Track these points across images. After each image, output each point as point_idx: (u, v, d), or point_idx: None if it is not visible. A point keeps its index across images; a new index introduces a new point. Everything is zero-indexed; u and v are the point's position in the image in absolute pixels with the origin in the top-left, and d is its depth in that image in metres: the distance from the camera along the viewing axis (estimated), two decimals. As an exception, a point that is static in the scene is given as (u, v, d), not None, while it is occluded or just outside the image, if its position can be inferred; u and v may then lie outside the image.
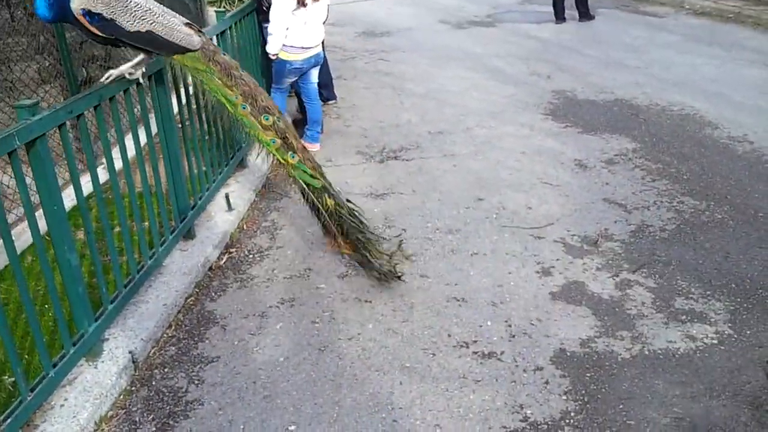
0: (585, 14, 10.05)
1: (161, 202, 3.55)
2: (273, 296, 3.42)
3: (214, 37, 4.14)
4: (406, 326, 3.13)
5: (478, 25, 10.26)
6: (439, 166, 4.97)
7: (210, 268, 3.69)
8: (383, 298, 3.36)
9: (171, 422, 2.61)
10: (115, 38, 2.81)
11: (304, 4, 4.75)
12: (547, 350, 2.93)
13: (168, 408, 2.68)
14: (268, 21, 4.96)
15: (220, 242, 3.85)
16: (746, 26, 9.28)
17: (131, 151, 3.28)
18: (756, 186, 4.45)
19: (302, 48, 4.90)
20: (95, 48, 5.77)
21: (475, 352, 2.93)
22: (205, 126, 4.20)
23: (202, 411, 2.65)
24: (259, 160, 4.93)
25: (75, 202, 3.03)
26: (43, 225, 2.51)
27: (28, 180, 2.41)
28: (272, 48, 4.89)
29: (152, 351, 3.02)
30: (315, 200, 3.32)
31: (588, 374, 2.77)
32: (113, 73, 2.96)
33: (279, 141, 3.25)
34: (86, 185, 2.99)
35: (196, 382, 2.83)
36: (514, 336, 3.03)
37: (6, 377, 2.74)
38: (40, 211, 2.53)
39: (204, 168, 4.13)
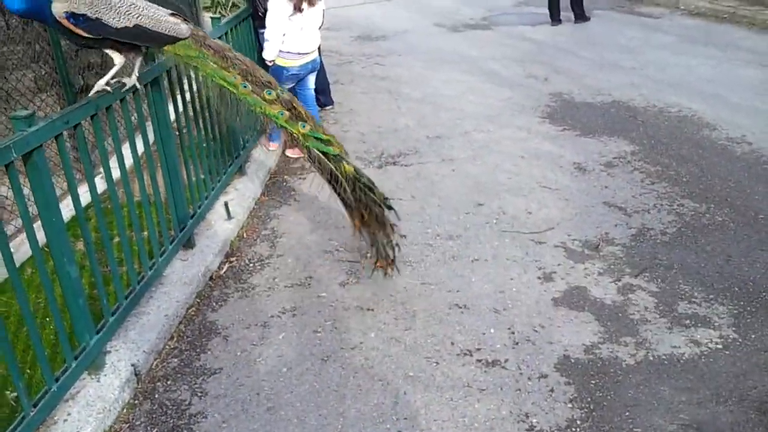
0: (580, 16, 10.07)
1: (160, 212, 3.53)
2: (274, 305, 3.41)
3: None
4: (408, 334, 3.11)
5: (474, 28, 10.26)
6: (438, 171, 4.96)
7: (210, 278, 3.67)
8: (385, 306, 3.34)
9: (174, 436, 2.59)
10: (102, 38, 2.74)
11: (300, 10, 4.74)
12: (551, 357, 2.92)
13: (172, 421, 2.66)
14: (264, 27, 4.94)
15: (220, 251, 3.84)
16: (741, 26, 9.30)
17: (129, 160, 3.27)
18: (756, 187, 4.45)
19: (299, 54, 4.89)
20: (91, 56, 5.74)
21: (479, 360, 2.92)
22: (203, 133, 4.19)
23: (205, 424, 2.64)
24: (255, 168, 4.95)
25: (73, 212, 3.02)
26: (41, 236, 2.49)
27: (26, 191, 2.39)
28: (269, 54, 4.88)
29: (154, 363, 3.00)
30: (333, 168, 3.18)
31: (593, 381, 2.77)
32: (99, 85, 2.91)
33: (287, 113, 3.16)
34: (84, 195, 2.98)
35: (199, 394, 2.81)
36: (517, 343, 3.02)
37: (8, 392, 2.72)
38: (39, 222, 2.52)
39: (202, 176, 4.11)
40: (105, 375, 2.78)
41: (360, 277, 3.61)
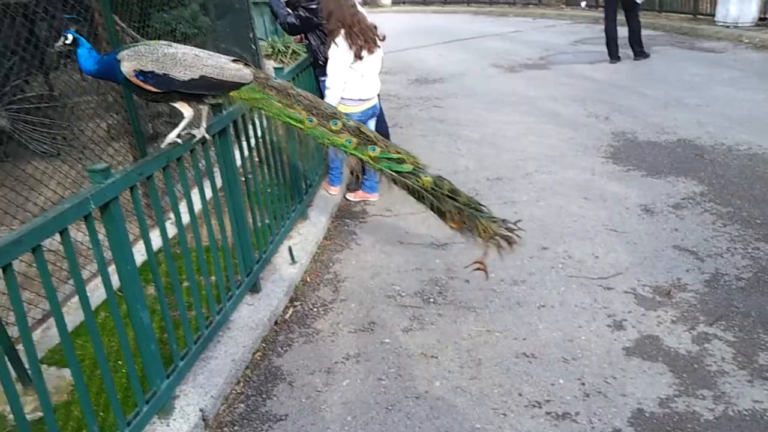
0: (640, 53, 9.96)
1: (227, 256, 3.60)
2: (338, 351, 3.40)
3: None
4: (474, 384, 3.05)
5: (531, 68, 10.26)
6: (500, 213, 4.88)
7: (275, 322, 3.70)
8: (449, 353, 3.30)
9: (242, 484, 2.59)
10: (170, 91, 2.85)
11: (360, 58, 4.84)
12: (624, 410, 2.81)
13: (238, 469, 2.66)
14: (324, 75, 5.05)
15: (285, 295, 3.88)
16: (811, 60, 9.02)
17: (197, 206, 3.36)
18: (837, 230, 4.24)
19: (360, 100, 4.97)
20: (160, 105, 5.98)
21: (549, 413, 2.83)
22: (268, 178, 4.28)
23: (272, 472, 2.63)
24: (317, 212, 5.02)
25: (145, 257, 3.11)
26: (115, 280, 2.57)
27: (100, 236, 2.48)
28: (330, 101, 4.97)
29: (221, 408, 3.02)
30: (412, 185, 3.18)
31: (671, 436, 2.64)
32: (170, 137, 3.02)
33: (355, 140, 3.16)
34: (155, 239, 3.06)
35: (266, 441, 2.81)
36: (588, 395, 2.92)
37: (82, 435, 2.78)
38: (112, 266, 2.60)
39: (268, 221, 4.19)
40: (174, 420, 2.82)
41: (424, 323, 3.58)
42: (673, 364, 3.09)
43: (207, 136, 3.17)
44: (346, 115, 5.01)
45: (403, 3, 27.78)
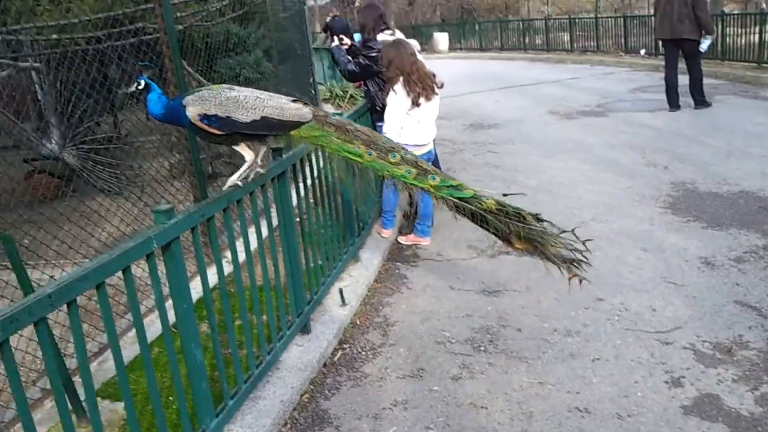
0: (701, 102, 9.78)
1: (279, 296, 3.65)
2: (386, 397, 3.37)
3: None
4: (525, 437, 2.98)
5: (589, 115, 10.19)
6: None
7: (324, 364, 3.71)
8: (499, 404, 3.23)
9: None
10: (233, 133, 2.94)
11: (418, 104, 4.91)
12: (684, 473, 2.69)
13: None
14: (381, 120, 5.15)
15: (334, 338, 3.89)
16: None
17: (253, 244, 3.43)
18: None
19: (416, 146, 5.02)
20: (220, 146, 6.17)
21: (603, 471, 2.73)
22: (321, 219, 4.35)
23: None
24: (369, 254, 5.04)
25: (200, 293, 3.18)
26: (169, 315, 2.63)
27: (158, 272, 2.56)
28: (387, 146, 5.04)
29: (268, 450, 3.02)
30: (475, 208, 3.14)
31: (733, 504, 2.51)
32: (232, 180, 3.11)
33: (414, 171, 3.19)
34: (210, 276, 3.13)
35: (311, 486, 2.79)
36: (644, 454, 2.81)
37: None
38: (168, 301, 2.66)
39: (320, 262, 4.24)
40: (222, 459, 2.83)
41: (474, 371, 3.52)
42: (734, 425, 2.94)
43: (261, 170, 3.23)
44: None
45: (460, 49, 28.17)
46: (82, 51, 5.49)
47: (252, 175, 3.16)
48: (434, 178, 3.18)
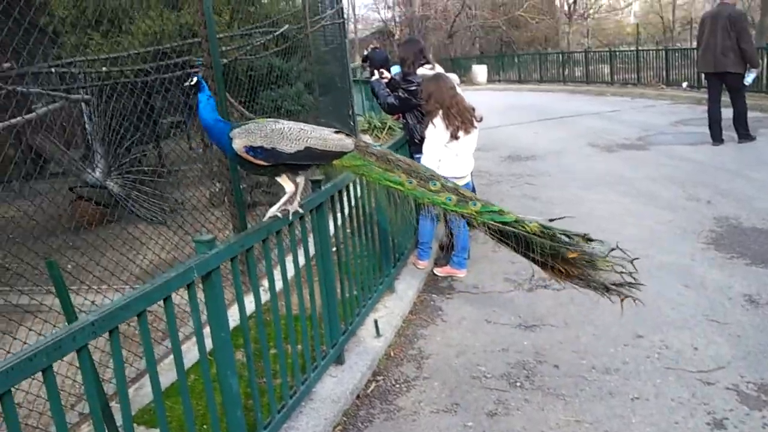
0: (745, 135, 9.59)
1: (315, 326, 3.67)
2: None
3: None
4: (561, 476, 2.91)
5: (629, 148, 10.08)
6: (593, 296, 4.74)
7: (357, 396, 3.69)
8: (536, 441, 3.17)
9: None
10: (278, 164, 3.01)
11: (456, 138, 4.95)
12: None
13: None
14: (419, 152, 5.19)
15: (368, 369, 3.88)
16: None
17: (290, 273, 3.46)
18: None
19: (453, 178, 5.01)
20: (260, 176, 6.28)
21: None
22: (358, 249, 4.37)
23: None
24: (404, 286, 5.04)
25: (237, 321, 3.22)
26: (206, 342, 2.67)
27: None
28: (424, 178, 5.07)
29: (300, 481, 3.01)
30: (518, 231, 3.16)
31: None
32: (272, 211, 3.17)
33: (455, 197, 3.24)
34: (247, 304, 3.16)
35: None
36: (686, 499, 2.71)
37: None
38: (205, 328, 2.70)
39: (355, 292, 4.26)
40: (254, 489, 2.83)
41: (509, 408, 3.47)
42: (782, 473, 2.84)
43: (300, 210, 3.30)
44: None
45: (499, 81, 28.26)
46: (130, 83, 5.68)
47: (292, 211, 3.21)
48: (476, 204, 3.23)
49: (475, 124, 5.13)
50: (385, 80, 5.75)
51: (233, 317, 3.19)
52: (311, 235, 3.76)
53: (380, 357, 4.09)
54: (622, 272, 3.11)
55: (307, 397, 3.48)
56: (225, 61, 5.12)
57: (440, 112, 4.97)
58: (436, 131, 4.98)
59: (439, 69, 5.77)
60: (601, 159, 9.55)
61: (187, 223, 5.52)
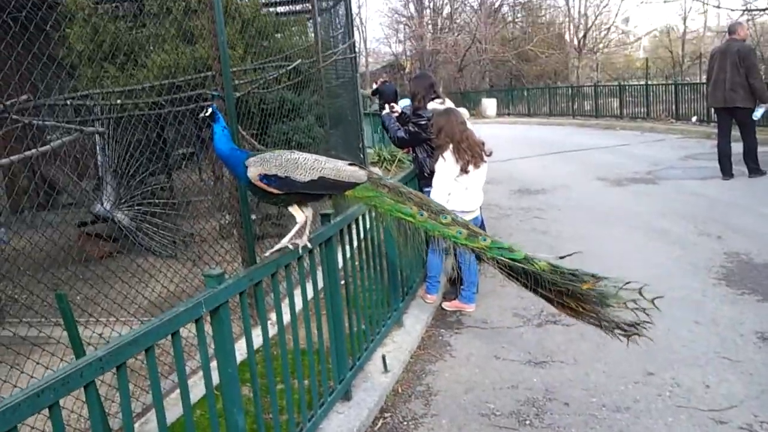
0: (755, 170, 9.57)
1: (322, 361, 3.65)
2: (427, 469, 3.30)
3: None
4: None
5: (639, 183, 10.07)
6: (603, 333, 4.71)
7: (364, 433, 3.66)
8: (545, 482, 3.12)
9: None
10: (291, 193, 3.03)
11: (466, 171, 4.98)
12: None
13: None
14: (429, 185, 5.21)
15: (375, 406, 3.84)
16: None
17: (298, 306, 3.46)
18: None
19: (463, 212, 5.02)
20: (270, 208, 6.31)
21: None
22: (366, 283, 4.36)
23: None
24: (413, 320, 5.01)
25: (244, 356, 3.21)
26: (213, 376, 2.66)
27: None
28: (433, 212, 5.09)
29: None
30: (527, 268, 3.18)
31: None
32: (282, 243, 3.18)
33: (465, 231, 3.27)
34: (254, 338, 3.15)
35: None
36: None
37: None
38: (212, 362, 2.69)
39: (363, 327, 4.24)
40: None
41: (518, 446, 3.43)
42: None
43: (309, 245, 3.31)
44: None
45: (508, 114, 28.43)
46: (144, 116, 5.76)
47: (301, 245, 3.23)
48: (485, 239, 3.25)
49: (485, 158, 5.16)
50: (396, 114, 5.81)
51: (240, 351, 3.18)
52: (320, 269, 3.77)
53: (388, 393, 4.06)
54: (635, 309, 3.09)
55: (313, 433, 3.45)
56: (238, 94, 5.18)
57: (450, 146, 5.01)
58: (446, 165, 5.01)
59: (449, 104, 5.82)
60: (610, 193, 9.54)
61: (196, 255, 5.55)
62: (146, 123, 5.99)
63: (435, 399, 4.01)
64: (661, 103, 19.49)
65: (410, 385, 4.22)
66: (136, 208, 6.23)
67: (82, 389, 1.96)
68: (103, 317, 4.54)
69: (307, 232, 3.28)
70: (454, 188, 5.01)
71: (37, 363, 3.72)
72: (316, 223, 3.67)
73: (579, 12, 34.91)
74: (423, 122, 5.48)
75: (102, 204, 6.31)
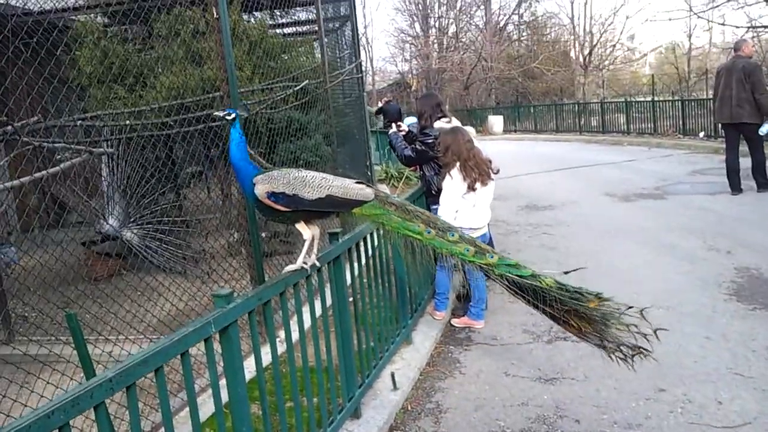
0: (764, 184, 9.54)
1: (331, 378, 3.64)
2: (437, 488, 3.27)
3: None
4: None
5: (647, 198, 10.05)
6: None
7: (374, 451, 3.64)
8: (557, 500, 3.09)
9: None
10: (298, 210, 3.04)
11: (473, 189, 4.99)
12: None
13: None
14: (436, 203, 5.23)
15: (384, 424, 3.82)
16: None
17: (306, 323, 3.46)
18: None
19: (470, 229, 5.05)
20: (278, 225, 6.33)
21: None
22: (375, 300, 4.36)
23: None
24: (422, 337, 5.00)
25: (253, 374, 3.21)
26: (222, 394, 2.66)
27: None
28: (441, 229, 5.10)
29: None
30: (533, 284, 3.17)
31: None
32: (290, 268, 3.19)
33: (472, 248, 3.27)
34: (263, 356, 3.15)
35: None
36: None
37: None
38: (222, 380, 2.69)
39: (372, 344, 4.23)
40: None
41: (529, 464, 3.40)
42: None
43: (317, 263, 3.33)
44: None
45: (515, 131, 28.50)
46: (153, 136, 5.81)
47: (310, 264, 3.24)
48: (492, 257, 3.26)
49: (492, 176, 5.18)
50: (403, 133, 5.85)
51: (249, 368, 3.18)
52: (328, 286, 3.77)
53: (397, 411, 4.04)
54: (637, 333, 3.09)
55: (322, 452, 3.44)
56: (246, 114, 5.23)
57: (457, 164, 5.04)
58: (452, 183, 5.03)
59: (455, 122, 5.85)
60: (618, 209, 9.52)
61: (204, 273, 5.57)
62: (155, 143, 6.04)
63: (445, 417, 3.99)
64: (668, 119, 19.49)
65: (420, 402, 4.20)
66: (146, 226, 6.27)
67: (92, 410, 1.96)
68: (113, 335, 4.55)
69: (315, 250, 3.29)
70: (462, 205, 5.03)
71: (48, 382, 3.73)
72: (324, 240, 3.69)
73: (584, 30, 35.09)
74: (430, 141, 5.51)
75: (108, 223, 6.35)
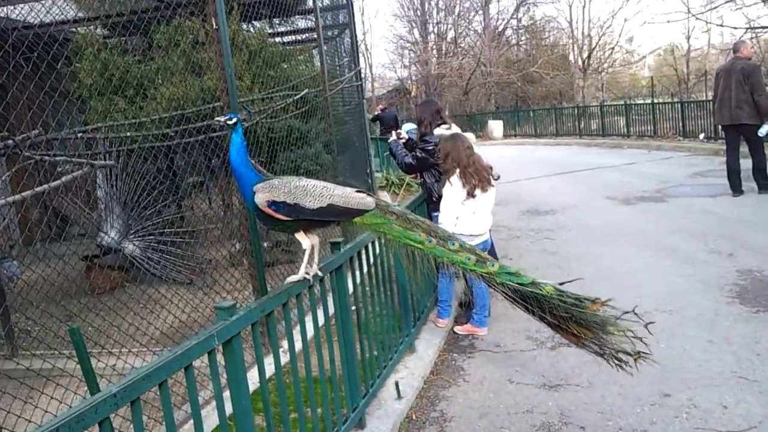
0: (765, 186, 9.52)
1: (335, 389, 3.63)
2: (443, 497, 3.27)
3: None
4: None
5: (647, 201, 10.05)
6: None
7: (379, 461, 3.63)
8: (563, 508, 3.08)
9: None
10: (299, 219, 3.03)
11: (473, 196, 4.99)
12: None
13: None
14: (437, 210, 5.24)
15: (389, 433, 3.82)
16: None
17: (309, 332, 3.46)
18: None
19: (471, 235, 5.05)
20: (280, 234, 6.33)
21: None
22: (377, 308, 4.36)
23: None
24: (425, 345, 4.99)
25: (257, 385, 3.20)
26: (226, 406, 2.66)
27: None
28: (442, 235, 5.10)
29: None
30: (534, 292, 3.17)
31: None
32: (292, 278, 3.20)
33: (473, 257, 3.27)
34: (266, 366, 3.15)
35: None
36: None
37: None
38: (225, 392, 2.69)
39: (376, 353, 4.22)
40: None
41: (534, 472, 3.39)
42: None
43: (319, 273, 3.33)
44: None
45: (515, 135, 28.52)
46: (154, 147, 5.82)
47: (312, 274, 3.24)
48: (493, 265, 3.27)
49: (492, 182, 5.18)
50: (403, 140, 5.86)
51: (252, 379, 3.18)
52: (330, 295, 3.77)
53: (402, 420, 4.03)
54: (633, 337, 3.09)
55: (327, 463, 3.43)
56: (246, 124, 5.24)
57: (457, 171, 5.04)
58: (452, 189, 5.04)
59: (455, 129, 5.86)
60: (619, 212, 9.52)
61: (206, 284, 5.57)
62: (156, 155, 6.05)
63: (449, 425, 3.98)
64: (668, 121, 19.48)
65: (424, 411, 4.19)
66: (148, 238, 6.28)
67: (97, 425, 1.96)
68: (116, 348, 4.55)
69: (316, 259, 3.29)
70: (462, 212, 5.03)
71: (52, 397, 3.73)
72: (325, 249, 3.69)
73: (583, 33, 35.12)
74: (430, 147, 5.52)
75: (109, 235, 6.35)
